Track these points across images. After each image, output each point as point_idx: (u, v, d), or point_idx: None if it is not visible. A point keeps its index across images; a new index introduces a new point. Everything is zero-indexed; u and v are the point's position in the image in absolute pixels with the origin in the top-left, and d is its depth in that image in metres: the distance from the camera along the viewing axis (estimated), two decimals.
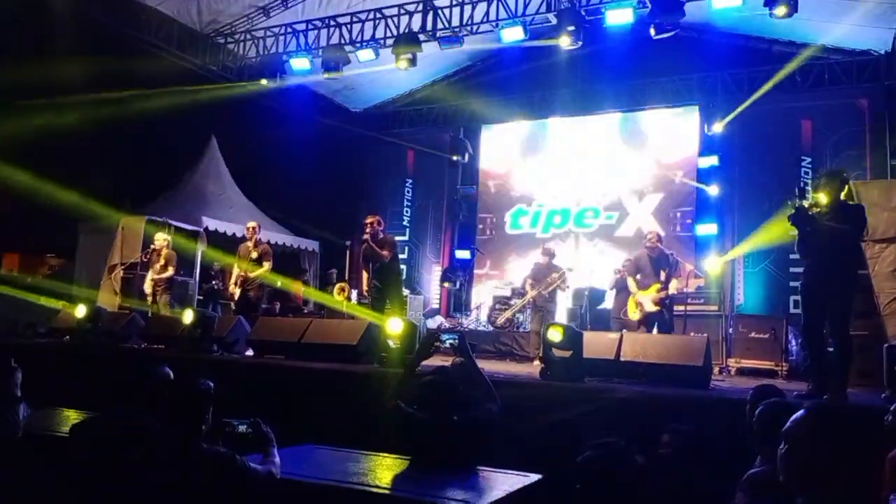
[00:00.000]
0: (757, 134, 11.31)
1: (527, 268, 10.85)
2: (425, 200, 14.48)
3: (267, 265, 8.99)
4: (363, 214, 8.48)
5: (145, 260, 9.68)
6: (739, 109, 11.00)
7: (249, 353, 7.74)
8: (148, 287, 9.57)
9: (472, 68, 13.71)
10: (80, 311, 8.32)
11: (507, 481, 3.15)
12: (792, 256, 9.76)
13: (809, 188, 6.51)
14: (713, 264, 10.48)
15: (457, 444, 3.41)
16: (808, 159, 10.92)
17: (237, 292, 9.07)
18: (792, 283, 9.95)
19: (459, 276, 13.08)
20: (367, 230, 8.14)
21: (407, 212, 14.51)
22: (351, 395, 5.71)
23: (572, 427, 4.71)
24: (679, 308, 8.45)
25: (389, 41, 10.65)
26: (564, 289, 9.58)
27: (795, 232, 5.23)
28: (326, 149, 13.11)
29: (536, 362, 7.41)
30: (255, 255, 8.99)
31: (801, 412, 2.28)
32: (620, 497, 2.22)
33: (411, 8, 10.66)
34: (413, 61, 10.34)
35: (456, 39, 10.31)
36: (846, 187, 5.38)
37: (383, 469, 3.35)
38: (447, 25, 10.41)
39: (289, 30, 11.47)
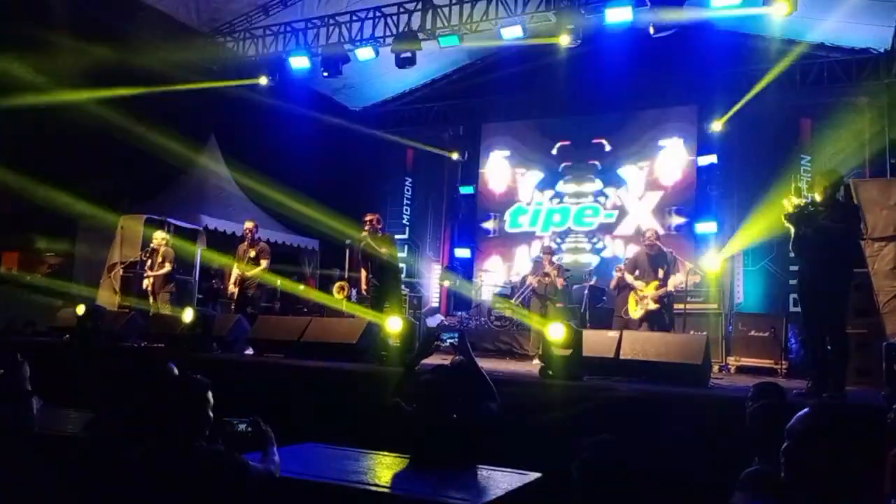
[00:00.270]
0: (756, 132, 11.30)
1: (526, 266, 10.86)
2: (425, 199, 14.50)
3: (264, 263, 9.02)
4: (363, 213, 8.48)
5: (145, 259, 9.67)
6: (736, 107, 10.99)
7: (249, 351, 7.75)
8: (147, 286, 9.58)
9: (471, 67, 13.70)
10: (80, 309, 8.32)
11: (507, 480, 3.16)
12: (792, 254, 9.74)
13: (805, 187, 6.52)
14: (712, 262, 10.49)
15: (456, 443, 3.42)
16: (808, 157, 10.91)
17: (236, 291, 9.10)
18: (792, 282, 9.92)
19: (459, 274, 13.08)
20: (367, 227, 8.15)
21: (406, 210, 14.52)
22: (350, 393, 5.72)
23: (572, 425, 4.71)
24: (678, 306, 8.46)
25: (389, 40, 10.66)
26: (563, 281, 9.61)
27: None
28: (326, 147, 13.08)
29: (536, 361, 7.41)
30: (252, 253, 9.04)
31: (805, 410, 2.28)
32: (613, 493, 2.23)
33: (411, 6, 10.66)
34: (412, 60, 10.35)
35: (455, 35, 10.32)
36: (841, 187, 5.41)
37: (383, 468, 3.36)
38: (446, 24, 10.41)
39: (288, 28, 11.47)
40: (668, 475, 3.82)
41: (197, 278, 11.20)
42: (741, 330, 8.68)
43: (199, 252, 11.15)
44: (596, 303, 10.11)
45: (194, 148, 12.48)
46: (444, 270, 13.84)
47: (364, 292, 8.66)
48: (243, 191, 13.01)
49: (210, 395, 2.73)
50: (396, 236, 9.60)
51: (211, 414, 2.73)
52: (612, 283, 9.27)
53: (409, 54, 10.30)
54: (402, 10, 10.75)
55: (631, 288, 8.32)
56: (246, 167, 12.62)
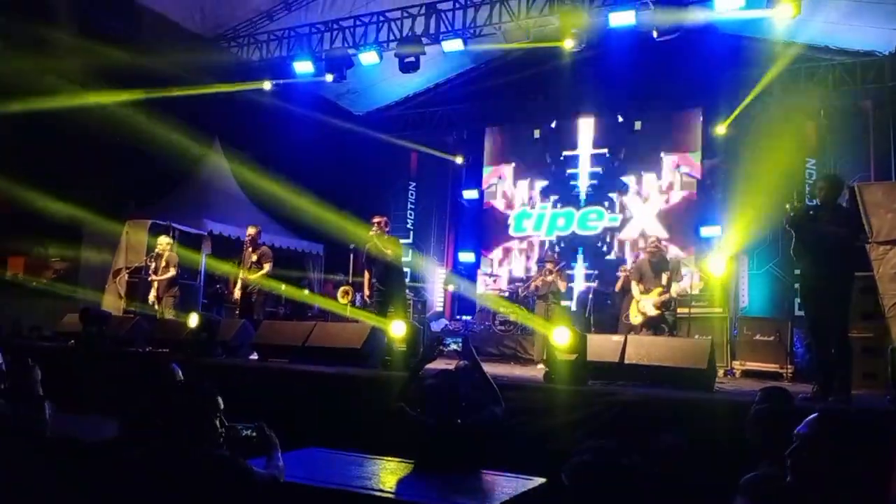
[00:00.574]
0: (761, 136, 11.27)
1: (531, 270, 10.83)
2: (429, 203, 14.50)
3: (267, 266, 9.06)
4: (367, 217, 8.51)
5: (150, 264, 9.71)
6: (739, 109, 10.98)
7: (254, 356, 7.75)
8: (152, 291, 9.61)
9: (474, 71, 13.71)
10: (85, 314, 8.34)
11: (511, 485, 3.15)
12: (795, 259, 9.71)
13: (807, 192, 6.51)
14: (716, 265, 10.45)
15: (461, 448, 3.41)
16: (812, 161, 10.88)
17: (240, 296, 9.15)
18: (797, 285, 9.90)
19: (463, 278, 13.08)
20: (375, 228, 8.19)
21: (410, 214, 14.53)
22: (355, 398, 5.71)
23: (576, 430, 4.70)
24: (683, 310, 8.44)
25: (393, 44, 10.68)
26: (566, 284, 9.62)
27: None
28: (329, 151, 13.11)
29: (540, 365, 7.40)
30: (254, 258, 9.09)
31: (814, 414, 2.27)
32: (612, 499, 2.22)
33: (414, 11, 10.68)
34: (416, 64, 10.37)
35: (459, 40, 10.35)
36: (843, 191, 5.40)
37: (387, 473, 3.35)
38: (450, 28, 10.43)
39: (292, 33, 11.51)
40: (671, 480, 3.80)
41: (202, 283, 11.22)
42: (746, 334, 8.64)
43: (204, 257, 11.18)
44: (600, 306, 10.09)
45: (199, 152, 12.51)
46: (448, 274, 13.84)
47: (367, 298, 8.68)
48: (248, 195, 13.02)
49: (220, 400, 2.73)
50: (400, 241, 9.61)
51: (222, 420, 2.73)
52: (618, 285, 9.29)
53: (412, 59, 10.32)
54: (405, 14, 10.77)
55: None
56: (250, 172, 12.64)
